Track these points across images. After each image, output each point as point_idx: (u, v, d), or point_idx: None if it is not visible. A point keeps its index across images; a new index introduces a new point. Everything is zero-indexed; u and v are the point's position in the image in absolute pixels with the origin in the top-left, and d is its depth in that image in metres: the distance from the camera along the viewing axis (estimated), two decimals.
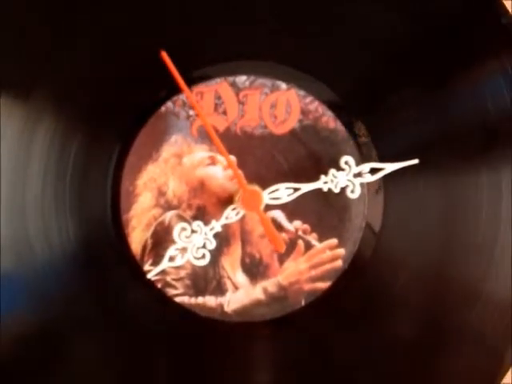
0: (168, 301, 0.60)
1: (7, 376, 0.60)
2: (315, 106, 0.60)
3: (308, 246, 0.60)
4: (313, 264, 0.60)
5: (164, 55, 0.56)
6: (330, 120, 0.60)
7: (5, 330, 0.59)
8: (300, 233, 0.60)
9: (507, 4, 0.67)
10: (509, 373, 0.67)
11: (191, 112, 0.58)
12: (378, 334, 0.61)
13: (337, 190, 0.60)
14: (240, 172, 0.58)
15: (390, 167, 0.59)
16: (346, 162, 0.59)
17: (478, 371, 0.62)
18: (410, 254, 0.61)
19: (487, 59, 0.61)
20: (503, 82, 0.61)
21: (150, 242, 0.60)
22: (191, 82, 0.59)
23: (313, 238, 0.60)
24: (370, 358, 0.60)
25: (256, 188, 0.59)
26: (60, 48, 0.59)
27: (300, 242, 0.60)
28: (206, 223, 0.59)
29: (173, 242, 0.59)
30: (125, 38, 0.59)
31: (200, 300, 0.60)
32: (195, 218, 0.59)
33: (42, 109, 0.59)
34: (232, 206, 0.59)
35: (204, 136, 0.59)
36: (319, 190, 0.59)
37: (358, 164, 0.60)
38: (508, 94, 0.61)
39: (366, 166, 0.59)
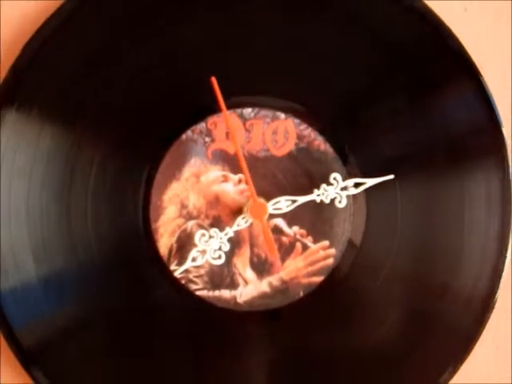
0: (190, 294, 0.67)
1: (55, 361, 0.67)
2: (308, 132, 0.67)
3: (305, 247, 0.67)
4: (309, 262, 0.67)
5: (214, 81, 0.64)
6: (320, 143, 0.67)
7: (53, 323, 0.66)
8: (298, 236, 0.67)
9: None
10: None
11: (207, 139, 0.66)
12: (362, 318, 0.68)
13: (327, 201, 0.67)
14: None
15: (370, 181, 0.66)
16: (335, 178, 0.67)
17: (448, 351, 0.68)
18: (389, 254, 0.68)
19: (450, 84, 0.68)
20: (464, 103, 0.68)
21: (175, 246, 0.67)
22: (207, 113, 0.67)
23: (308, 241, 0.67)
24: (355, 332, 0.67)
25: (262, 200, 0.66)
26: (101, 86, 0.66)
27: (298, 244, 0.67)
28: (221, 230, 0.66)
29: (194, 245, 0.66)
30: (150, 82, 0.66)
31: (217, 293, 0.67)
32: (212, 225, 0.66)
33: (84, 137, 0.66)
34: (242, 216, 0.66)
35: (218, 158, 0.67)
36: (313, 201, 0.67)
37: (344, 179, 0.67)
38: (469, 113, 0.68)
39: (351, 181, 0.67)
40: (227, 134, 0.67)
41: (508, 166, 0.68)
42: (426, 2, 0.68)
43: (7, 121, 0.65)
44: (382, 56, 0.68)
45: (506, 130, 0.69)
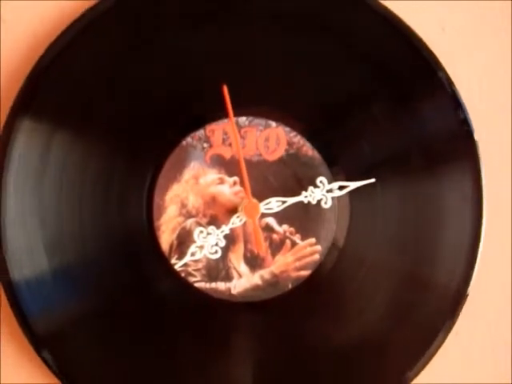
0: (189, 286, 0.70)
1: (64, 346, 0.71)
2: (298, 139, 0.71)
3: (293, 244, 0.71)
4: (297, 257, 0.71)
5: (224, 89, 0.68)
6: (308, 149, 0.71)
7: (64, 312, 0.70)
8: (287, 234, 0.70)
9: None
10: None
11: (205, 145, 0.70)
12: (345, 308, 0.71)
13: (314, 202, 0.70)
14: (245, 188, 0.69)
15: (353, 185, 0.70)
16: (321, 181, 0.70)
17: (423, 339, 0.72)
18: (370, 250, 0.71)
19: (426, 95, 0.71)
20: (439, 111, 0.72)
21: (175, 242, 0.70)
22: (206, 121, 0.70)
23: (297, 238, 0.71)
24: (338, 322, 0.71)
25: (255, 201, 0.69)
26: (110, 97, 0.70)
27: (287, 241, 0.70)
28: (218, 227, 0.70)
29: (193, 241, 0.69)
30: (154, 94, 0.70)
31: (213, 285, 0.70)
32: (209, 223, 0.70)
33: (93, 143, 0.70)
34: (237, 215, 0.70)
35: (215, 162, 0.70)
36: (301, 202, 0.70)
37: (329, 182, 0.70)
38: (443, 121, 0.71)
39: (336, 184, 0.70)
40: (223, 140, 0.70)
41: (479, 169, 0.71)
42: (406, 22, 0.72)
43: (23, 128, 0.69)
44: (364, 70, 0.71)
45: (477, 137, 0.72)
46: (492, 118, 0.76)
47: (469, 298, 0.72)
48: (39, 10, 0.74)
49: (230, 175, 0.71)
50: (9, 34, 0.74)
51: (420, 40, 0.71)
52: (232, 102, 0.69)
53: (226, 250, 0.70)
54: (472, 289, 0.72)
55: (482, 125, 0.74)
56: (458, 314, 0.72)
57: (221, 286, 0.71)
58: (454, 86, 0.71)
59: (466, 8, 0.76)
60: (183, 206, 0.71)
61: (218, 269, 0.71)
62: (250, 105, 0.71)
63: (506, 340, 0.76)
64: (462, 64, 0.75)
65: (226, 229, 0.70)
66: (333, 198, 0.71)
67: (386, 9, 0.71)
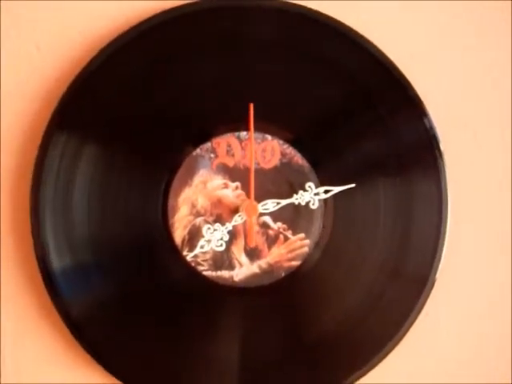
0: (198, 274, 0.76)
1: (95, 326, 0.76)
2: (290, 150, 0.77)
3: (286, 238, 0.77)
4: (289, 250, 0.76)
5: (251, 107, 0.73)
6: (299, 159, 0.77)
7: (95, 296, 0.76)
8: (281, 230, 0.77)
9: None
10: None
11: (212, 155, 0.76)
12: (329, 293, 0.77)
13: (303, 204, 0.77)
14: (243, 192, 0.76)
15: (336, 189, 0.77)
16: (309, 186, 0.77)
17: (394, 322, 0.78)
18: (351, 244, 0.77)
19: (399, 111, 0.78)
20: (411, 125, 0.78)
21: (187, 236, 0.76)
22: (212, 136, 0.77)
23: (289, 233, 0.77)
24: (324, 305, 0.76)
25: (254, 202, 0.76)
26: (133, 115, 0.76)
27: (281, 236, 0.76)
28: (223, 224, 0.76)
29: (202, 236, 0.76)
30: (169, 113, 0.76)
31: (218, 273, 0.76)
32: (215, 221, 0.76)
33: (118, 153, 0.77)
34: (238, 214, 0.76)
35: (220, 170, 0.76)
36: (292, 204, 0.77)
37: (316, 187, 0.77)
38: (414, 133, 0.77)
39: (322, 189, 0.77)
40: (227, 151, 0.76)
41: (444, 174, 0.78)
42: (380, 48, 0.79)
43: (57, 142, 0.77)
44: (346, 91, 0.77)
45: (442, 146, 0.78)
46: (456, 131, 0.81)
47: (436, 283, 0.78)
48: (69, 40, 0.80)
49: (233, 181, 0.77)
50: (43, 60, 0.80)
51: (392, 64, 0.78)
52: (234, 119, 0.76)
53: (229, 244, 0.76)
54: (439, 275, 0.78)
55: (447, 136, 0.80)
56: (427, 297, 0.78)
57: (225, 274, 0.76)
58: (422, 103, 0.78)
59: (433, 33, 0.81)
60: (193, 206, 0.76)
61: (222, 259, 0.76)
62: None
63: (469, 319, 0.82)
64: (429, 83, 0.81)
65: (229, 226, 0.76)
66: (319, 200, 0.77)
67: (367, 41, 0.77)
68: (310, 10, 0.79)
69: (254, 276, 0.77)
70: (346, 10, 0.81)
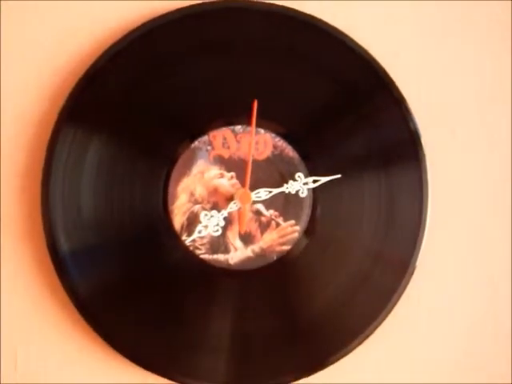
0: (196, 257, 0.79)
1: (102, 305, 0.80)
2: (281, 143, 0.80)
3: (277, 225, 0.80)
4: (280, 235, 0.80)
5: (254, 104, 0.76)
6: (289, 151, 0.80)
7: (101, 277, 0.80)
8: (273, 217, 0.80)
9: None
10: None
11: (208, 147, 0.80)
12: (317, 275, 0.80)
13: (293, 192, 0.80)
14: (238, 181, 0.79)
15: (323, 179, 0.80)
16: (299, 176, 0.80)
17: (377, 304, 0.81)
18: (337, 230, 0.81)
19: (383, 109, 0.81)
20: (394, 122, 0.81)
21: (185, 222, 0.79)
22: (209, 129, 0.80)
23: (280, 220, 0.80)
24: (312, 286, 0.80)
25: (248, 191, 0.79)
26: (137, 110, 0.80)
27: (273, 222, 0.80)
28: (219, 211, 0.79)
29: (199, 222, 0.79)
30: (170, 108, 0.80)
31: (215, 256, 0.79)
32: (212, 208, 0.79)
33: (123, 145, 0.80)
34: (233, 201, 0.79)
35: (216, 161, 0.80)
36: (283, 192, 0.80)
37: (305, 177, 0.80)
38: (397, 129, 0.81)
39: (310, 179, 0.80)
40: (223, 144, 0.80)
41: (425, 167, 0.81)
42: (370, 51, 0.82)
43: (66, 133, 0.80)
44: (334, 89, 0.81)
45: (423, 142, 0.82)
46: (436, 128, 0.85)
47: (417, 267, 0.82)
48: (76, 41, 0.84)
49: (228, 171, 0.80)
50: (51, 61, 0.83)
51: (378, 64, 0.82)
52: (231, 114, 0.80)
53: (225, 229, 0.80)
54: (420, 260, 0.82)
55: (427, 132, 0.83)
56: (409, 281, 0.82)
57: (221, 257, 0.80)
58: (406, 101, 0.82)
59: (417, 32, 0.84)
60: (192, 194, 0.79)
61: (218, 244, 0.79)
62: (244, 116, 0.81)
63: (448, 301, 0.84)
64: (412, 82, 0.84)
65: (225, 212, 0.79)
66: (308, 190, 0.80)
67: (352, 40, 0.81)
68: (297, 11, 0.82)
69: (248, 259, 0.80)
70: (333, 11, 0.83)
